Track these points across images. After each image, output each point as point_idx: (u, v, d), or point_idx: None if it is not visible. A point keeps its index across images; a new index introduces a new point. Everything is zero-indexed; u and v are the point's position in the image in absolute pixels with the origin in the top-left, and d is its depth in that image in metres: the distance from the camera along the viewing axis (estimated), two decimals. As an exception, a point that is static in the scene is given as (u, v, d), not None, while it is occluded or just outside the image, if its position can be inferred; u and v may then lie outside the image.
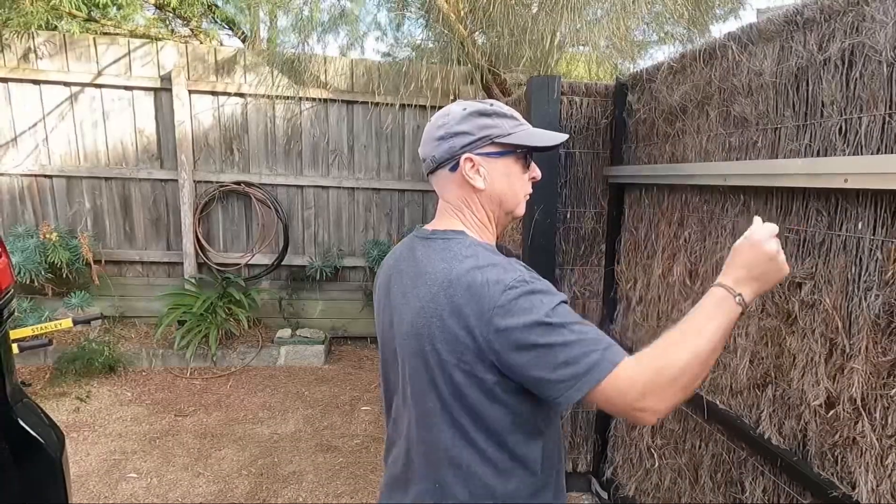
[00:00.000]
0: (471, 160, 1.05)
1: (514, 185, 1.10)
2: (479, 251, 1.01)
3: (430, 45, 4.48)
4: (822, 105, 1.45)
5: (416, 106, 4.96)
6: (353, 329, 5.22)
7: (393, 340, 1.08)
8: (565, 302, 0.97)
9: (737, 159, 1.80)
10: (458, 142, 1.05)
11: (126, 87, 4.63)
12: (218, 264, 4.88)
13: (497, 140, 1.05)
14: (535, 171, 1.13)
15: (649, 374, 0.89)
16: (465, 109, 1.06)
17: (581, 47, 5.13)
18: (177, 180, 4.73)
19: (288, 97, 4.82)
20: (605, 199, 2.76)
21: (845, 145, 1.38)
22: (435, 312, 0.96)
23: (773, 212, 1.62)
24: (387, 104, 4.94)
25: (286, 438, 3.44)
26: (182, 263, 4.85)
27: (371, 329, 5.22)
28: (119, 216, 4.80)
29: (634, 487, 2.51)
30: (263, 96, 4.79)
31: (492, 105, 1.07)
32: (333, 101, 4.90)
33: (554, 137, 1.11)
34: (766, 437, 1.64)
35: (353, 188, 5.06)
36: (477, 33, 4.33)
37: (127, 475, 2.98)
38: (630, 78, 2.55)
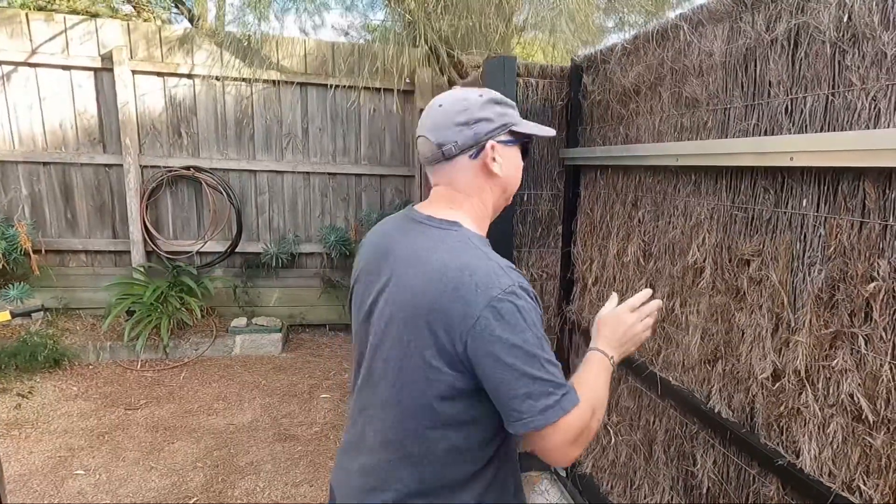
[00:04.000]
0: (494, 147, 1.05)
1: (518, 172, 1.14)
2: (473, 248, 1.00)
3: (388, 26, 4.39)
4: (770, 85, 1.48)
5: (372, 88, 4.88)
6: (311, 316, 5.13)
7: (371, 316, 1.07)
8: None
9: (688, 139, 1.82)
10: (483, 128, 1.04)
11: (64, 67, 4.38)
12: (168, 252, 4.71)
13: (512, 129, 1.08)
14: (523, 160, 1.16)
15: (583, 422, 0.96)
16: (481, 96, 1.06)
17: (538, 32, 5.13)
18: (122, 165, 4.53)
19: (239, 79, 4.66)
20: (562, 181, 2.77)
21: (791, 124, 1.41)
22: (422, 304, 0.96)
23: (722, 190, 1.66)
24: (342, 86, 4.84)
25: (243, 429, 3.37)
26: (129, 252, 4.66)
27: (330, 316, 5.16)
28: (60, 203, 4.57)
29: (591, 465, 2.56)
30: (213, 78, 4.62)
31: (500, 94, 1.09)
32: (287, 83, 4.77)
33: (548, 130, 1.15)
34: (716, 410, 1.69)
35: (308, 173, 4.95)
36: (435, 15, 4.27)
37: (74, 472, 2.86)
38: (585, 60, 2.55)
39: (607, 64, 2.33)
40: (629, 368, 2.18)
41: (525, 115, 2.74)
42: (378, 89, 4.90)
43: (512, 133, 1.08)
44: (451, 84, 4.84)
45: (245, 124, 4.78)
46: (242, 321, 4.70)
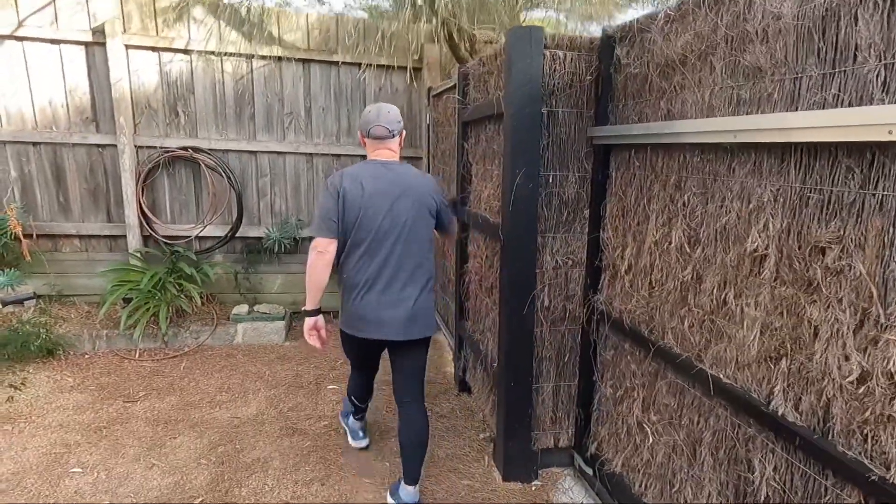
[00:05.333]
0: (402, 133, 2.46)
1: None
2: (417, 169, 2.49)
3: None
4: (857, 49, 1.30)
5: (378, 66, 4.67)
6: (314, 303, 4.96)
7: (392, 210, 2.29)
8: None
9: (747, 114, 1.65)
10: (401, 125, 2.43)
11: (53, 41, 4.15)
12: (166, 237, 4.52)
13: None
14: None
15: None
16: (396, 110, 2.43)
17: (549, 10, 4.91)
18: (116, 145, 4.32)
19: (238, 54, 4.44)
20: (590, 162, 2.60)
21: (884, 93, 1.23)
22: (422, 193, 2.36)
23: (790, 170, 1.48)
24: (347, 63, 4.63)
25: (248, 422, 3.22)
26: (125, 236, 4.47)
27: (334, 303, 4.97)
28: (51, 185, 4.36)
29: (621, 463, 2.41)
30: (211, 53, 4.40)
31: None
32: (289, 59, 4.55)
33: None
34: (779, 412, 1.53)
35: (311, 154, 4.75)
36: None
37: (70, 470, 2.70)
38: (618, 30, 2.36)
39: (646, 33, 2.14)
40: (669, 363, 2.02)
41: (551, 91, 2.57)
42: (385, 66, 4.69)
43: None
44: (461, 61, 4.65)
45: (245, 103, 4.57)
46: (244, 308, 4.53)
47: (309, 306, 2.41)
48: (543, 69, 2.46)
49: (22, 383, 3.56)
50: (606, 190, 2.53)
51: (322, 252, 2.25)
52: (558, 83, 2.53)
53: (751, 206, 1.64)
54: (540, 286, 2.65)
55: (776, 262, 1.54)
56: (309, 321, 2.45)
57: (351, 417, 3.01)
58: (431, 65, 4.68)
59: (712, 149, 1.81)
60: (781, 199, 1.52)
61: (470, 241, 3.44)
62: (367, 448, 2.98)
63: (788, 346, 1.51)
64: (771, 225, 1.56)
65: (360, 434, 2.99)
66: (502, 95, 2.59)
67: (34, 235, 4.30)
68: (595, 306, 2.60)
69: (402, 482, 2.46)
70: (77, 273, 4.50)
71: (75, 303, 4.48)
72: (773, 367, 1.57)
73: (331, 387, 3.73)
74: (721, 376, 1.77)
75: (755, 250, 1.61)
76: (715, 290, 1.79)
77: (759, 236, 1.60)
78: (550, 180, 2.59)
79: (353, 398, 2.91)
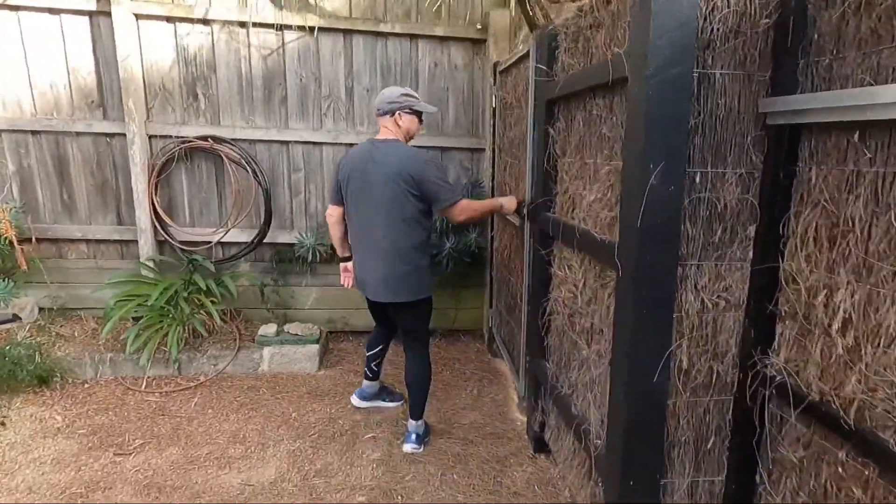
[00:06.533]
0: (399, 114, 2.62)
1: (411, 124, 2.67)
2: (409, 147, 2.62)
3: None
4: None
5: (433, 37, 3.85)
6: (355, 321, 4.20)
7: (368, 184, 2.56)
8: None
9: None
10: (393, 106, 2.62)
11: (51, 10, 3.51)
12: (182, 242, 3.85)
13: (411, 107, 2.65)
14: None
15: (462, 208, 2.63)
16: (394, 91, 2.65)
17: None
18: (125, 134, 3.66)
19: (268, 25, 3.70)
20: (760, 153, 1.70)
21: None
22: (400, 170, 2.49)
23: None
24: (396, 34, 3.83)
25: (263, 491, 2.47)
26: (137, 241, 3.82)
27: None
28: (53, 181, 3.75)
29: None
30: (236, 24, 3.68)
31: (408, 89, 2.66)
32: (327, 30, 3.78)
33: (430, 108, 2.77)
34: None
35: (352, 144, 3.96)
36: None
37: (21, 567, 2.02)
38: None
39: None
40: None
41: (706, 44, 1.68)
42: (441, 38, 3.87)
43: (411, 110, 2.65)
44: (533, 28, 3.77)
45: (275, 84, 3.83)
46: (272, 329, 3.81)
47: (339, 254, 3.00)
48: (699, 12, 1.58)
49: (1, 423, 2.94)
50: (793, 195, 1.62)
51: (329, 214, 2.84)
52: (716, 31, 1.63)
53: None
54: (678, 339, 1.77)
55: None
56: (342, 265, 3.03)
57: (364, 381, 3.28)
58: (498, 35, 3.83)
59: None
60: None
61: (556, 261, 2.58)
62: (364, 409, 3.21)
63: None
64: None
65: (365, 393, 3.26)
66: (626, 51, 1.71)
67: (34, 239, 3.70)
68: (764, 373, 1.70)
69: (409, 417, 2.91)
70: (83, 283, 3.88)
71: (81, 317, 3.87)
72: None
73: (369, 436, 2.95)
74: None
75: None
76: None
77: None
78: (698, 181, 1.71)
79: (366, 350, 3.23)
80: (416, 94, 2.68)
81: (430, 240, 2.88)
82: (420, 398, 2.87)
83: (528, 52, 2.84)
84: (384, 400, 3.29)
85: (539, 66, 2.60)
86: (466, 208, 2.65)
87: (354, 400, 3.27)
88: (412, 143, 2.73)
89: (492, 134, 3.89)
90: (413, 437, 2.85)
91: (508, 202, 2.89)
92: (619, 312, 1.81)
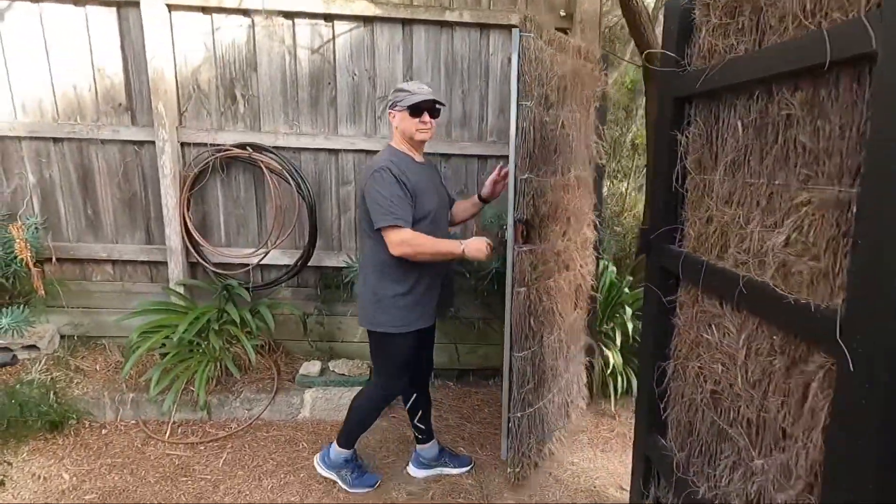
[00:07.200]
0: (391, 113, 2.27)
1: (405, 123, 2.23)
2: (382, 152, 2.30)
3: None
4: None
5: (507, 26, 3.26)
6: (409, 356, 3.63)
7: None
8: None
9: None
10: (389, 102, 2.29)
11: (76, 2, 3.10)
12: (216, 265, 3.36)
13: (398, 104, 2.24)
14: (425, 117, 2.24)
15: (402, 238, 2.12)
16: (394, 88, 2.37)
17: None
18: (154, 142, 3.21)
19: (316, 15, 3.19)
20: None
21: None
22: (362, 181, 2.24)
23: None
24: (464, 24, 3.25)
25: None
26: (167, 263, 3.36)
27: (439, 358, 3.64)
28: (77, 194, 3.34)
29: None
30: (279, 14, 3.18)
31: (404, 83, 2.29)
32: (384, 19, 3.24)
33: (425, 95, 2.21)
34: None
35: (411, 153, 3.41)
36: None
37: None
38: None
39: None
40: None
41: None
42: (513, 28, 3.26)
43: (399, 107, 2.22)
44: (632, 16, 3.15)
45: (324, 83, 3.31)
46: (315, 367, 3.28)
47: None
48: None
49: (0, 480, 2.50)
50: None
51: None
52: None
53: None
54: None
55: None
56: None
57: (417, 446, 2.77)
58: (586, 22, 3.20)
59: None
60: None
61: (684, 310, 1.92)
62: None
63: None
64: None
65: (421, 460, 2.73)
66: (873, 14, 1.07)
67: (54, 259, 3.30)
68: None
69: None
70: (109, 308, 3.45)
71: (105, 347, 3.43)
72: None
73: (432, 517, 2.37)
74: None
75: None
76: None
77: None
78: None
79: None
80: (408, 88, 2.23)
81: (414, 270, 2.24)
82: (347, 427, 2.53)
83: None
84: (446, 465, 2.71)
85: (666, 52, 1.96)
86: (405, 242, 2.12)
87: (411, 470, 2.70)
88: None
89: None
90: (321, 455, 2.64)
91: (474, 247, 2.19)
92: (841, 429, 1.15)
